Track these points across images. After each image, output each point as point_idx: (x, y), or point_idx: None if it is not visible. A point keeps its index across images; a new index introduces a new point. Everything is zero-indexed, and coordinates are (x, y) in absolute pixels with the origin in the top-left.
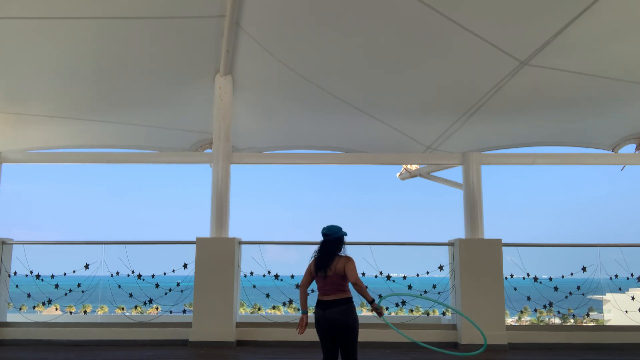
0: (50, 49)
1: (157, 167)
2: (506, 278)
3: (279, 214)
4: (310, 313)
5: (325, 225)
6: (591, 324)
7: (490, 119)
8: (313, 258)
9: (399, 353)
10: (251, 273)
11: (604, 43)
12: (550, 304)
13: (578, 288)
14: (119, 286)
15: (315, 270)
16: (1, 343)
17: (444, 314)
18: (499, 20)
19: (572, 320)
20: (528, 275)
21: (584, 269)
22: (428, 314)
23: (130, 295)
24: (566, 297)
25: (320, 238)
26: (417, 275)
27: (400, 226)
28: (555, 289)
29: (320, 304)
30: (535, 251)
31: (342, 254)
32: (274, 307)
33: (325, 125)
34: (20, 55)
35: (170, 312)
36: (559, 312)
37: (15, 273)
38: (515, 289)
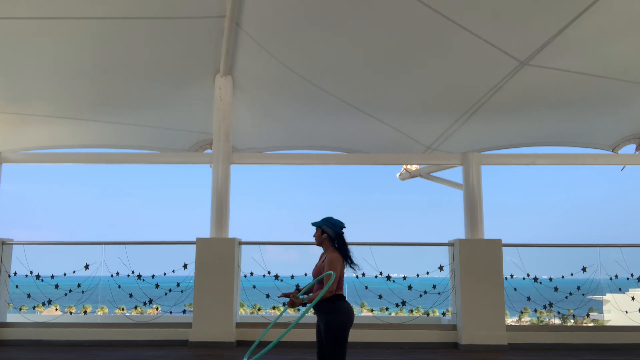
0: (51, 49)
1: (157, 168)
2: (506, 278)
3: (279, 214)
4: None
5: (333, 218)
6: (591, 324)
7: (490, 119)
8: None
9: (399, 353)
10: (251, 273)
11: (604, 43)
12: (551, 304)
13: (578, 288)
14: (119, 286)
15: (345, 266)
16: (1, 343)
17: (444, 314)
18: (498, 20)
19: (572, 321)
20: (528, 275)
21: (584, 269)
22: (428, 314)
23: (130, 295)
24: (566, 297)
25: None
26: (417, 275)
27: (400, 226)
28: (555, 289)
29: (345, 300)
30: (535, 251)
31: None
32: (274, 308)
33: (325, 125)
34: (20, 55)
35: (170, 312)
36: (559, 312)
37: (15, 273)
38: (515, 289)
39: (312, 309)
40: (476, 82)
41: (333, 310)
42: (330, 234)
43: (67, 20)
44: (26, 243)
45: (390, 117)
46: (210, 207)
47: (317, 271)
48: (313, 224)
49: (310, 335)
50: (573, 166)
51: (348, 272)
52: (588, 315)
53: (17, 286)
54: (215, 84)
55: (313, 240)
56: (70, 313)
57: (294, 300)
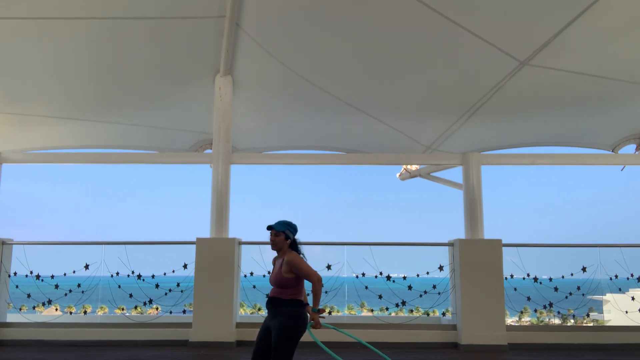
0: (51, 49)
1: (157, 168)
2: (506, 278)
3: (279, 214)
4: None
5: (291, 222)
6: (591, 324)
7: (490, 119)
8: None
9: (399, 353)
10: (251, 273)
11: (604, 43)
12: (551, 305)
13: (578, 288)
14: (119, 286)
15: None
16: (1, 343)
17: (444, 314)
18: (499, 20)
19: (572, 321)
20: (528, 275)
21: (584, 269)
22: (428, 314)
23: (130, 295)
24: (566, 297)
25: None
26: (417, 275)
27: (400, 226)
28: (555, 289)
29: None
30: (535, 251)
31: None
32: None
33: (325, 125)
34: (20, 56)
35: (170, 312)
36: (559, 312)
37: (15, 273)
38: (515, 289)
39: (269, 309)
40: (476, 82)
41: (295, 315)
42: (292, 238)
43: (67, 20)
44: (26, 243)
45: (390, 117)
46: (210, 207)
47: (279, 276)
48: (274, 228)
49: (308, 335)
50: (573, 166)
51: (346, 272)
52: (588, 315)
53: (17, 286)
54: (215, 84)
55: (313, 240)
56: (70, 313)
57: (315, 317)
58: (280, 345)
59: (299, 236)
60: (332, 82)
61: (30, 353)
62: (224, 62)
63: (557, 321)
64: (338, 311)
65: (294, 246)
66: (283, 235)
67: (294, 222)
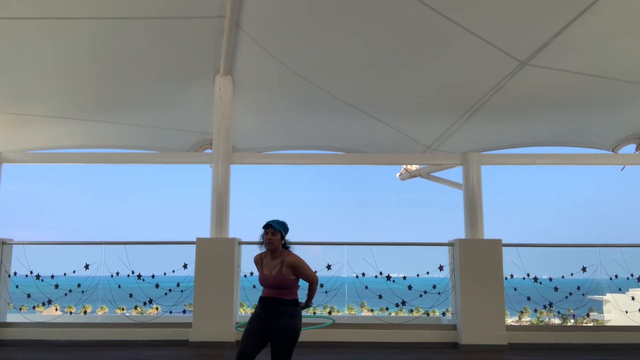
0: (51, 49)
1: (157, 168)
2: (506, 278)
3: (279, 214)
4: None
5: (285, 222)
6: (591, 324)
7: (490, 119)
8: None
9: (399, 353)
10: (251, 273)
11: (604, 43)
12: (551, 304)
13: (578, 288)
14: (119, 286)
15: None
16: (1, 343)
17: (444, 314)
18: (499, 20)
19: (572, 321)
20: (528, 275)
21: (584, 269)
22: (428, 314)
23: (130, 295)
24: (566, 297)
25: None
26: (417, 275)
27: (400, 226)
28: (555, 289)
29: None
30: (535, 251)
31: None
32: None
33: (325, 125)
34: (20, 56)
35: (170, 312)
36: (559, 312)
37: (15, 273)
38: (515, 289)
39: (267, 311)
40: (476, 82)
41: (298, 314)
42: (285, 238)
43: (67, 20)
44: (26, 243)
45: (390, 117)
46: (210, 207)
47: (281, 278)
48: (273, 227)
49: (307, 335)
50: (573, 166)
51: (346, 272)
52: (588, 315)
53: (17, 286)
54: (215, 84)
55: (313, 240)
56: (70, 313)
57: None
58: (284, 344)
59: (289, 236)
60: (332, 82)
61: (30, 353)
62: (224, 62)
63: (557, 321)
64: (338, 311)
65: (285, 246)
66: (279, 235)
67: (289, 222)
